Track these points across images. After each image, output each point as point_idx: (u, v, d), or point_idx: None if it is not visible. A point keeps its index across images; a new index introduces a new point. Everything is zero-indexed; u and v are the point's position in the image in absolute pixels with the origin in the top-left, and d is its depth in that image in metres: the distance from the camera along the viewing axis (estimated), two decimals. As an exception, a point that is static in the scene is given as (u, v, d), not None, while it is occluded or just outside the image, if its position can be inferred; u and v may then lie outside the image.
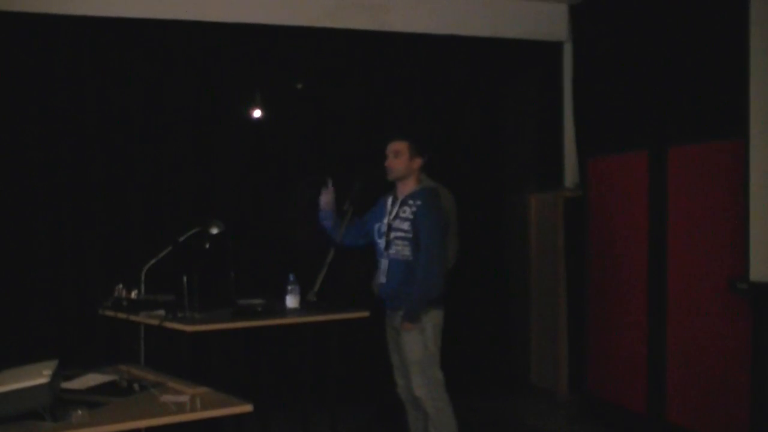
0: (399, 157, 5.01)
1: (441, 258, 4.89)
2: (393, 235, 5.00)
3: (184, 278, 4.95)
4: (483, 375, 7.17)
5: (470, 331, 7.07)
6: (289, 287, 5.31)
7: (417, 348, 4.92)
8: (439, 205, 4.96)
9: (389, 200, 5.11)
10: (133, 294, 5.23)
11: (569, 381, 6.94)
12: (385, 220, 5.06)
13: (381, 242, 5.08)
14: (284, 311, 5.25)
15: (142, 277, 5.32)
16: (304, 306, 5.24)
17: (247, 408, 3.41)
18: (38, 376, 3.04)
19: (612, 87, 6.49)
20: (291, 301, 5.31)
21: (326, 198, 5.23)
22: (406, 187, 5.03)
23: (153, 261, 5.31)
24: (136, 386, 3.62)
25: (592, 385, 6.50)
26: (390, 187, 5.16)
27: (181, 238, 5.35)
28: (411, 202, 4.95)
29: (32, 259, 6.09)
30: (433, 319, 4.93)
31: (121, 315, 5.12)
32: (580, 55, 7.01)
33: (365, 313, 5.32)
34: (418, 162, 5.01)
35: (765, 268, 4.73)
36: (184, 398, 3.45)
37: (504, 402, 7.00)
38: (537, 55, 7.27)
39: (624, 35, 6.37)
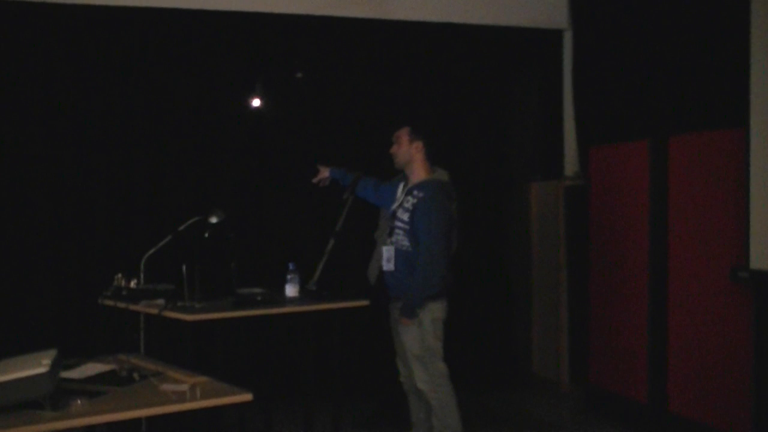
0: (398, 143, 5.03)
1: (440, 256, 4.85)
2: (395, 224, 5.00)
3: (184, 267, 4.94)
4: (485, 367, 7.15)
5: (471, 323, 7.05)
6: (289, 276, 5.29)
7: (415, 343, 4.92)
8: (442, 199, 4.91)
9: (400, 186, 5.10)
10: (133, 283, 5.22)
11: (571, 372, 6.94)
12: (393, 207, 5.05)
13: (389, 225, 5.07)
14: (284, 300, 5.24)
15: (142, 267, 5.31)
16: (304, 295, 5.23)
17: (247, 397, 3.40)
18: (38, 365, 3.03)
19: (613, 75, 6.47)
20: (291, 290, 5.29)
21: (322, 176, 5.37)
22: (415, 176, 5.03)
23: (153, 250, 5.30)
24: (135, 375, 3.61)
25: (594, 376, 6.49)
26: (392, 174, 5.17)
27: (181, 227, 5.34)
28: (415, 192, 4.94)
29: (32, 249, 6.09)
30: (432, 313, 4.91)
31: (121, 304, 5.11)
32: (580, 43, 6.99)
33: (365, 302, 5.31)
34: (418, 146, 4.99)
35: (766, 257, 4.73)
36: (183, 387, 3.44)
37: (506, 394, 6.99)
38: (537, 43, 7.25)
39: (625, 23, 6.35)
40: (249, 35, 6.56)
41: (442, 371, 4.96)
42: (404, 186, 5.07)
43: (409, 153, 5.01)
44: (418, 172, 5.01)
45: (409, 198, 4.95)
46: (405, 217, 4.94)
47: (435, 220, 4.84)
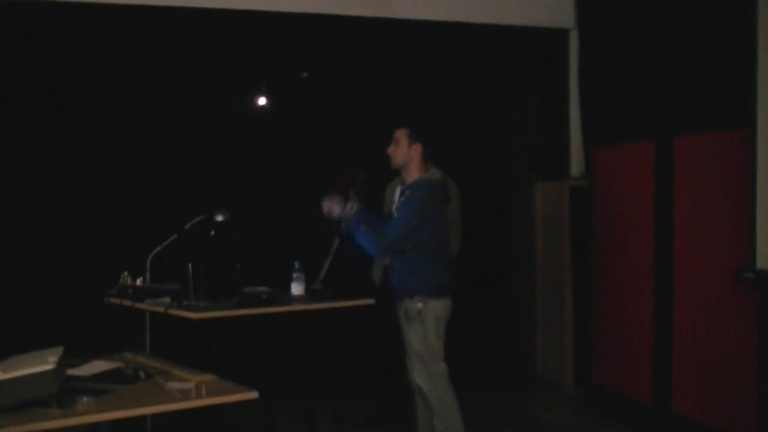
0: (397, 145, 5.01)
1: (390, 245, 4.88)
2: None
3: (190, 266, 4.95)
4: (488, 368, 7.15)
5: (475, 323, 7.04)
6: (295, 275, 5.29)
7: (417, 340, 4.91)
8: (430, 198, 4.91)
9: (398, 188, 5.10)
10: (139, 281, 5.22)
11: (575, 373, 6.93)
12: (393, 209, 5.05)
13: None
14: (289, 299, 5.24)
15: (148, 265, 5.31)
16: (310, 294, 5.24)
17: (253, 395, 3.40)
18: (44, 363, 3.03)
19: (619, 75, 6.47)
20: (296, 289, 5.30)
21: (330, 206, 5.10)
22: (409, 176, 5.02)
23: (158, 249, 5.30)
24: (141, 373, 3.62)
25: (598, 377, 6.49)
26: (393, 175, 5.16)
27: (187, 226, 5.34)
28: (408, 192, 4.93)
29: (38, 247, 6.10)
30: (434, 311, 4.90)
31: (127, 302, 5.12)
32: (586, 43, 6.98)
33: (370, 301, 5.31)
34: (417, 148, 4.98)
35: (772, 257, 4.72)
36: (189, 386, 3.45)
37: (510, 395, 6.99)
38: (543, 42, 7.25)
39: (631, 23, 6.34)
40: (252, 34, 6.56)
41: (441, 371, 4.95)
42: (400, 186, 5.08)
43: (408, 155, 5.00)
44: (413, 172, 5.01)
45: (403, 198, 4.95)
46: None
47: (405, 219, 4.84)
